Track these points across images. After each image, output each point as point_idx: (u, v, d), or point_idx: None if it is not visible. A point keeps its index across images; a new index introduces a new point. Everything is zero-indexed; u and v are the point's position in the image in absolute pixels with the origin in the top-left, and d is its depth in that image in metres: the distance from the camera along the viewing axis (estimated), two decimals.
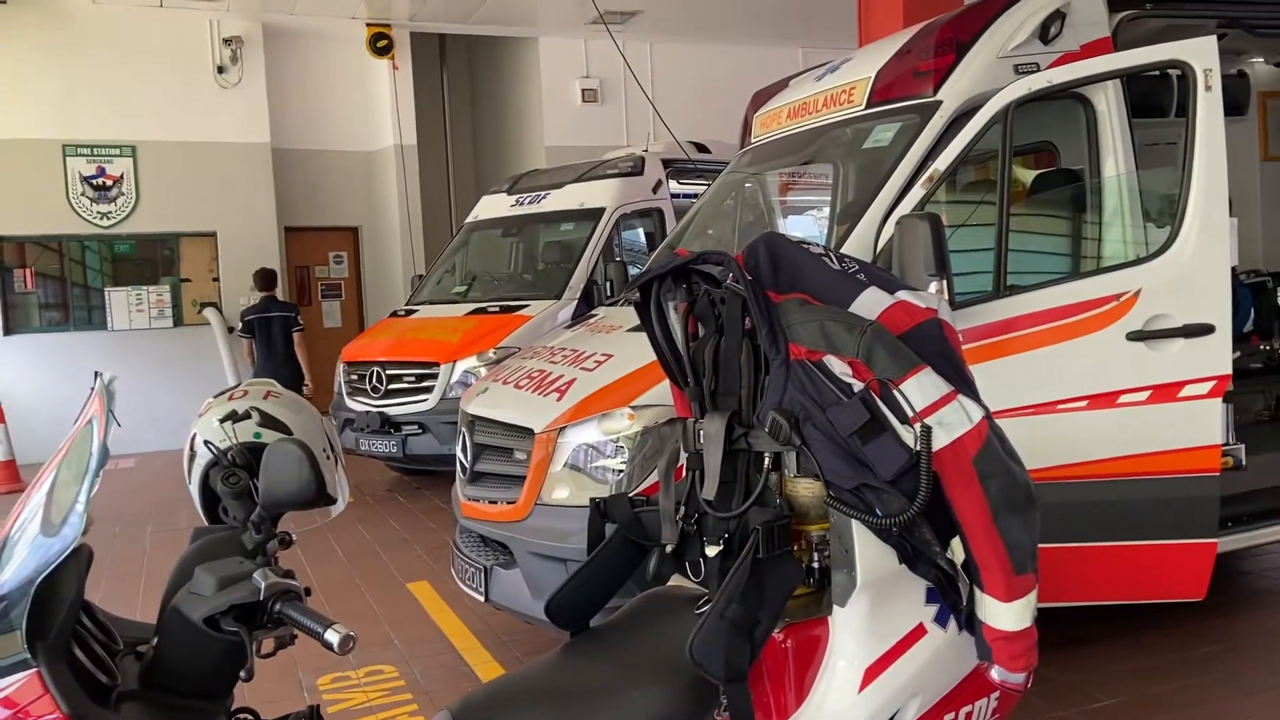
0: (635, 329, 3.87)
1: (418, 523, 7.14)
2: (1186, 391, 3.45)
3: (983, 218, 3.76)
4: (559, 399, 3.89)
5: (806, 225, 5.46)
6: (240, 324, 9.44)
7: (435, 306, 8.67)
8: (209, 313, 11.43)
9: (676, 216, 8.03)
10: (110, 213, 11.16)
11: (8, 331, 10.87)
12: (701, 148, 8.72)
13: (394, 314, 9.16)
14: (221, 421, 1.86)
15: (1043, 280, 3.62)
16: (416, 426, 7.46)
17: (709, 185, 5.89)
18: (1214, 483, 3.47)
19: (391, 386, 7.70)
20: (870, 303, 1.75)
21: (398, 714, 3.80)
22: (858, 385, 1.69)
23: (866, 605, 1.73)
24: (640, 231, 8.54)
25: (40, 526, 1.54)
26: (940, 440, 1.66)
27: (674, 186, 8.52)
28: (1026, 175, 4.32)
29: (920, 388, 1.66)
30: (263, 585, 1.52)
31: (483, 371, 6.88)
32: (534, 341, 5.51)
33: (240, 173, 11.57)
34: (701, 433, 1.87)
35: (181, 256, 11.63)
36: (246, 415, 1.86)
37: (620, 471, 3.62)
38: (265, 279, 9.47)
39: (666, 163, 8.58)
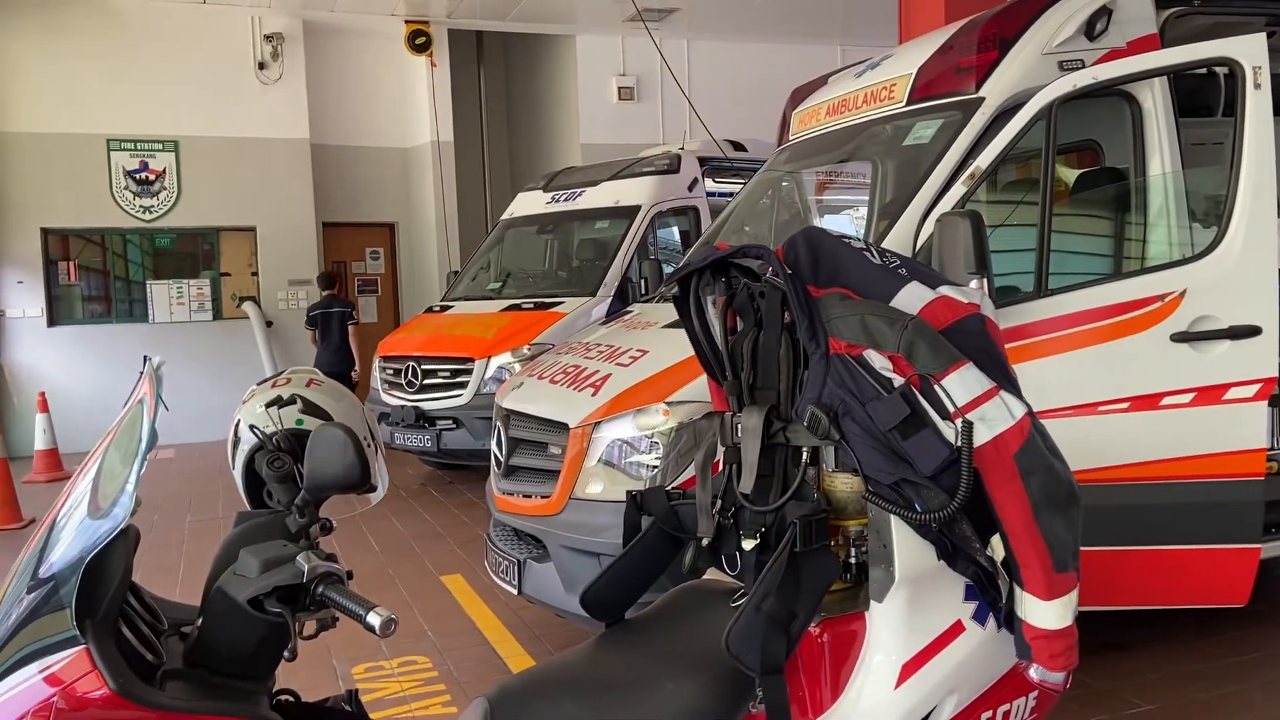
0: (671, 325, 3.87)
1: (451, 517, 7.19)
2: (1232, 394, 3.39)
3: (1025, 217, 3.72)
4: (594, 394, 3.90)
5: (845, 223, 5.42)
6: (306, 318, 10.45)
7: (470, 303, 8.71)
8: (248, 307, 11.60)
9: (712, 215, 8.01)
10: (152, 207, 11.34)
11: (51, 323, 11.08)
12: (738, 146, 8.69)
13: (429, 309, 9.23)
14: (266, 407, 1.90)
15: (1086, 280, 3.58)
16: (451, 421, 7.50)
17: (745, 183, 5.87)
18: (1258, 487, 3.41)
19: (427, 381, 7.75)
20: (912, 297, 1.73)
21: (431, 704, 3.83)
22: (898, 380, 1.67)
23: (904, 601, 1.72)
24: (675, 229, 8.53)
25: (89, 508, 1.57)
26: (982, 436, 1.64)
27: (710, 185, 8.50)
28: (1070, 174, 4.27)
29: (962, 383, 1.65)
30: (306, 568, 1.54)
31: (517, 367, 6.91)
32: (568, 338, 5.53)
33: (280, 168, 11.72)
34: (740, 426, 1.86)
35: (221, 251, 11.80)
36: (290, 401, 1.90)
37: (654, 467, 3.62)
38: (327, 280, 10.71)
39: (703, 161, 8.56)
